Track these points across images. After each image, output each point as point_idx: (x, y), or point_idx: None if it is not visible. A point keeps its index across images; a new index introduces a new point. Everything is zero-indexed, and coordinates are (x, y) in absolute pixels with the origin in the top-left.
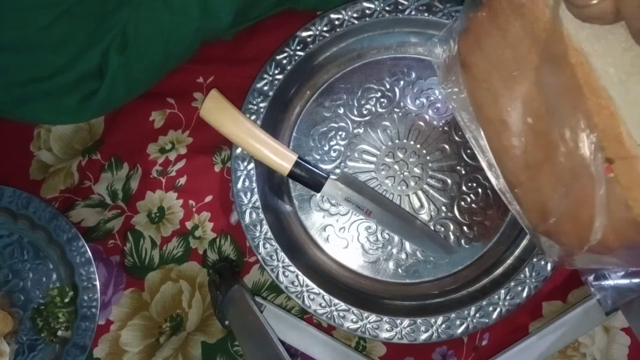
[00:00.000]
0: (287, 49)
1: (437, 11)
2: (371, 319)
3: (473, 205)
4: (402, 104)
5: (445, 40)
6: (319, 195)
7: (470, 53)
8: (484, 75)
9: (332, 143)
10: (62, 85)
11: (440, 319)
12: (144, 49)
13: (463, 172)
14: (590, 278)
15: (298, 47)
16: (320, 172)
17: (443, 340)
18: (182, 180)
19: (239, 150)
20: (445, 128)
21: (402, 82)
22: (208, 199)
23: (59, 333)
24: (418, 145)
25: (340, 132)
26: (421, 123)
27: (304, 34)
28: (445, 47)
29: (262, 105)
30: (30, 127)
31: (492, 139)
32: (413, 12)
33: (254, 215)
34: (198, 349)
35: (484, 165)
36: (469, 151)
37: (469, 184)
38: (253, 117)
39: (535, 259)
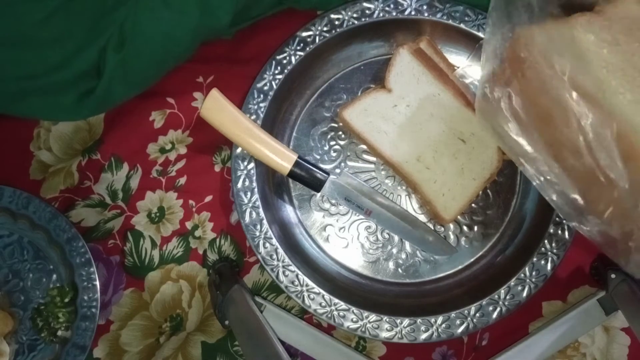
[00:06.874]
0: (287, 49)
1: (437, 11)
2: (371, 319)
3: (473, 205)
4: None
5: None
6: (319, 195)
7: (512, 81)
8: (532, 100)
9: (332, 143)
10: (59, 83)
11: (440, 319)
12: (142, 48)
13: None
14: None
15: (298, 47)
16: (320, 172)
17: (443, 340)
18: (182, 180)
19: (239, 150)
20: None
21: None
22: (208, 199)
23: (59, 333)
24: None
25: (340, 132)
26: None
27: (304, 34)
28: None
29: (262, 105)
30: (30, 127)
31: (560, 161)
32: (413, 13)
33: (254, 215)
34: (198, 349)
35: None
36: None
37: None
38: (253, 117)
39: (535, 259)
